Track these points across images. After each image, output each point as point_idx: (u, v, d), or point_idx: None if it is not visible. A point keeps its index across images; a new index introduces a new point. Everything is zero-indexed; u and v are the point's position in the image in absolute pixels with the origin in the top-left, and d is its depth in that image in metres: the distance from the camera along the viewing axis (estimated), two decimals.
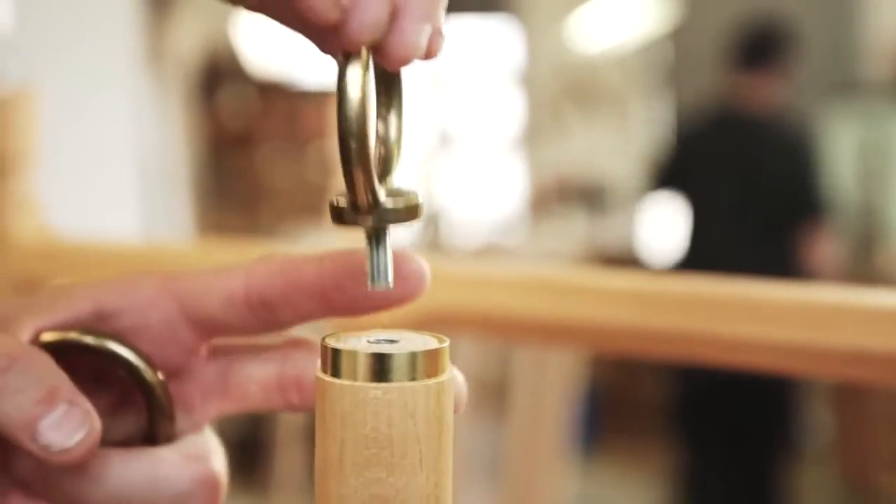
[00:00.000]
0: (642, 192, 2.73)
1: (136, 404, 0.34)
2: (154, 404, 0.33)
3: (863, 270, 3.41)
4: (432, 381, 0.26)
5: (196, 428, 0.35)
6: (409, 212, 0.28)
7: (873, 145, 3.66)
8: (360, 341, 0.28)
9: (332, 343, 0.27)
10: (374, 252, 0.29)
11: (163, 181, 2.42)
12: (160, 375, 0.33)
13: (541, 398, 1.95)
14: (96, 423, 0.30)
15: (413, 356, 0.26)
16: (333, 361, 0.26)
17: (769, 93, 2.44)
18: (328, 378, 0.26)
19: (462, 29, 4.71)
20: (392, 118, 0.29)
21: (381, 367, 0.26)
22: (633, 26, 4.78)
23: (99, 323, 0.33)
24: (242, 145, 3.68)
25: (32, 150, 0.82)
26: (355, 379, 0.26)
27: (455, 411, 0.30)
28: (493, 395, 2.23)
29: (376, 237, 0.29)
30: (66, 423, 0.30)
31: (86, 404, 0.30)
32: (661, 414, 3.55)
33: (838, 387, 3.19)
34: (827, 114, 3.91)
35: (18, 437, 0.29)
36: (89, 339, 0.32)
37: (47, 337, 0.32)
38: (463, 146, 4.72)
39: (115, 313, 0.33)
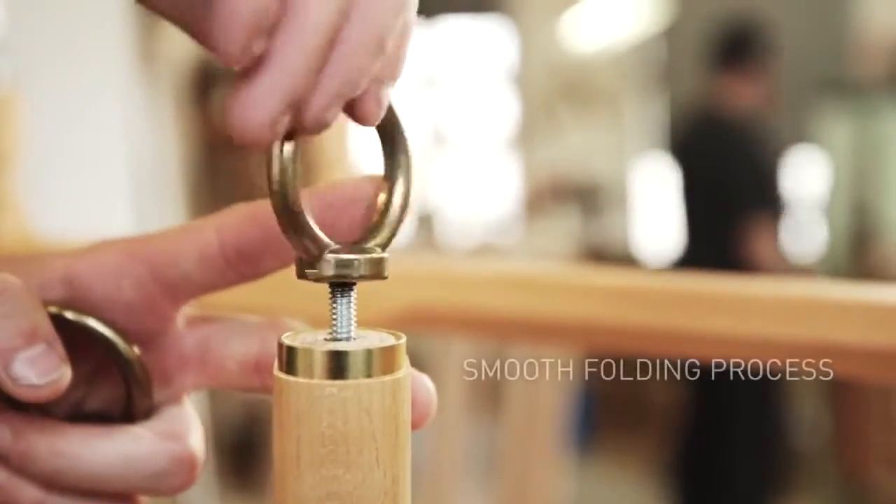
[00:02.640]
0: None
1: (113, 375, 0.35)
2: (131, 380, 0.33)
3: (857, 268, 3.42)
4: (388, 378, 0.26)
5: (174, 400, 0.35)
6: (370, 269, 0.27)
7: (866, 143, 3.67)
8: (317, 339, 0.28)
9: (287, 341, 0.27)
10: (336, 306, 0.28)
11: (155, 183, 2.42)
12: (136, 350, 0.33)
13: (535, 397, 1.95)
14: (68, 372, 0.31)
15: (369, 353, 0.26)
16: (289, 359, 0.26)
17: (742, 93, 2.47)
18: (284, 376, 0.26)
19: (455, 29, 4.71)
20: (397, 187, 0.29)
21: (336, 365, 0.26)
22: (626, 25, 4.79)
23: (70, 291, 0.33)
24: (236, 147, 3.68)
25: (17, 151, 0.82)
26: (311, 377, 0.26)
27: (423, 418, 0.30)
28: (487, 393, 2.23)
29: (338, 291, 0.28)
30: (40, 362, 0.30)
31: (62, 351, 0.31)
32: (655, 411, 3.55)
33: (834, 384, 3.19)
34: (820, 112, 3.91)
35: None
36: (69, 315, 0.32)
37: None
38: (457, 146, 4.72)
39: (87, 283, 0.33)
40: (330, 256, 0.27)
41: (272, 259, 0.33)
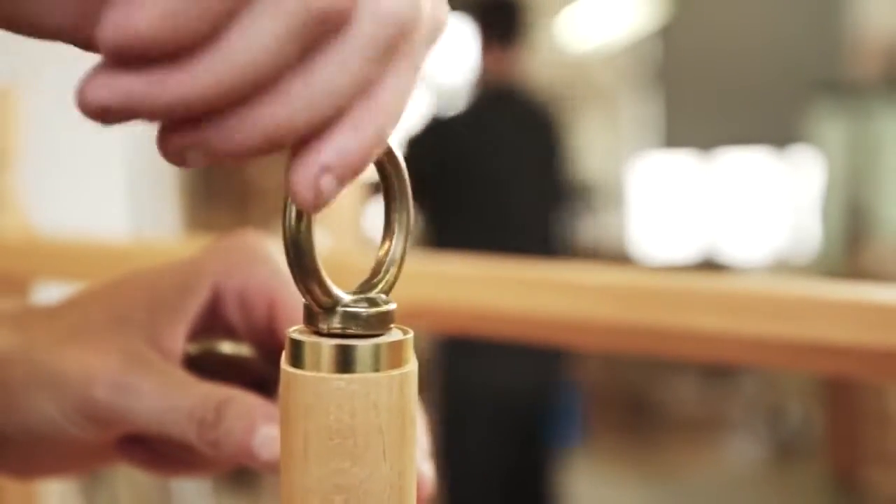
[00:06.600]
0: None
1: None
2: (269, 396, 0.37)
3: (851, 267, 3.43)
4: (396, 372, 0.26)
5: None
6: (376, 322, 0.27)
7: (861, 143, 3.68)
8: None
9: (295, 335, 0.27)
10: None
11: (152, 179, 2.42)
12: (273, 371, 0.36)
13: None
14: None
15: (377, 347, 0.26)
16: (297, 353, 0.26)
17: (515, 65, 2.46)
18: (291, 369, 0.26)
19: (450, 28, 4.71)
20: (397, 241, 0.28)
21: (344, 358, 0.26)
22: (622, 25, 4.79)
23: (215, 306, 0.37)
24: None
25: (15, 147, 0.82)
26: (319, 370, 0.26)
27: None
28: None
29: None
30: (270, 437, 0.34)
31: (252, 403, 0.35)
32: (648, 410, 3.55)
33: (827, 383, 3.20)
34: (815, 112, 3.92)
35: (242, 462, 0.35)
36: (226, 349, 0.38)
37: (191, 350, 0.37)
38: None
39: (226, 298, 0.37)
40: (338, 309, 0.27)
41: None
